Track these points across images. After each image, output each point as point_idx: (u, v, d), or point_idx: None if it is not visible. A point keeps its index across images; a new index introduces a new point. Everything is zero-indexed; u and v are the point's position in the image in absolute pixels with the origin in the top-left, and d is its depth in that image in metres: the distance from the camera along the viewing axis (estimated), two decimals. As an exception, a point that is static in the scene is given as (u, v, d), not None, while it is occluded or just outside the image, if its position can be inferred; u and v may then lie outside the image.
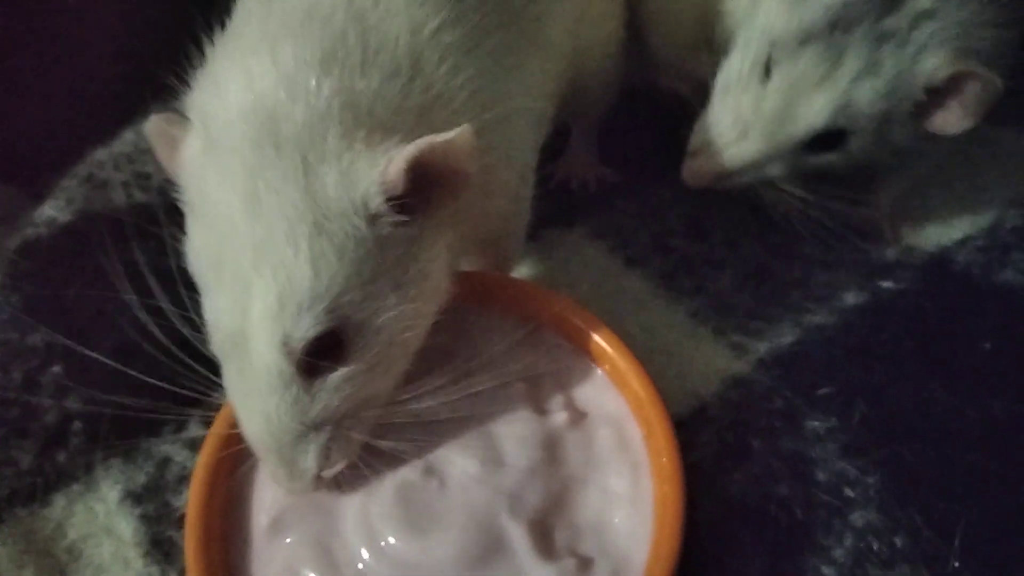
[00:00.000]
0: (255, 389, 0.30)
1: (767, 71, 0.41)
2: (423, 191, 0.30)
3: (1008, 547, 0.34)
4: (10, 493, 0.39)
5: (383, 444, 0.32)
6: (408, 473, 0.32)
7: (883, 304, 0.42)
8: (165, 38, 0.61)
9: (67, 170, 0.51)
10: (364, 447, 0.32)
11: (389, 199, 0.29)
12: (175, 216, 0.43)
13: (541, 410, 0.34)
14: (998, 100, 0.41)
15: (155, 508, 0.38)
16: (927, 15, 0.40)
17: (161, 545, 0.37)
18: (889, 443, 0.36)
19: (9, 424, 0.40)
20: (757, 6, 0.43)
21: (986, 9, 0.41)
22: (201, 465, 0.34)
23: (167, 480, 0.39)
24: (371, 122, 0.30)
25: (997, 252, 0.45)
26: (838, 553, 0.34)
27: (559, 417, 0.34)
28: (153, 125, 0.32)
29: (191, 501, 0.34)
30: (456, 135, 0.29)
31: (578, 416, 0.34)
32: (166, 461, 0.40)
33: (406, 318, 0.31)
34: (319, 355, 0.30)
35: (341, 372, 0.30)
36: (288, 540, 0.32)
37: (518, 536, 0.31)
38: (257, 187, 0.29)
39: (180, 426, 0.41)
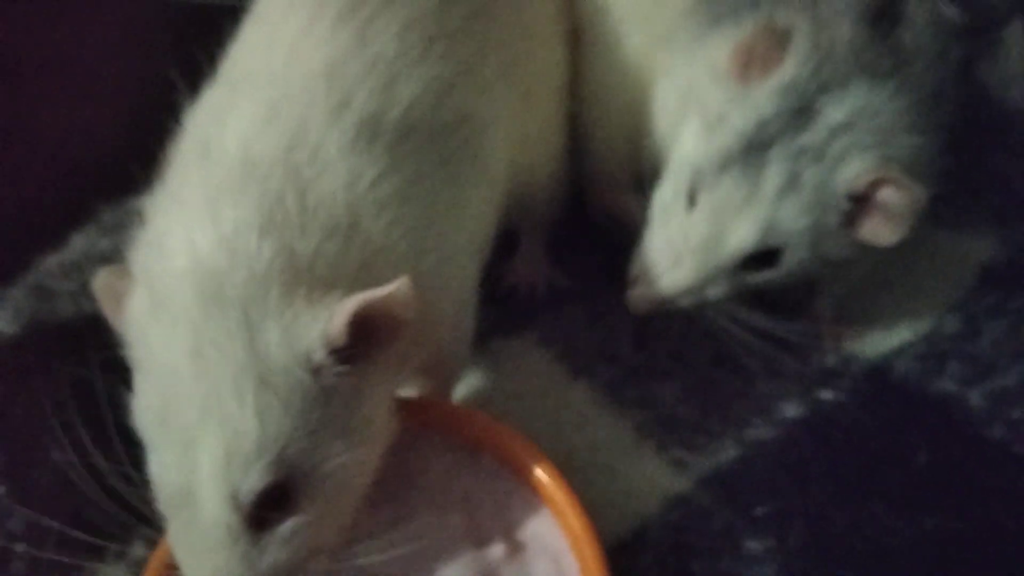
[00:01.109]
0: (203, 546, 0.30)
1: (692, 199, 0.42)
2: (365, 339, 0.30)
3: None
4: None
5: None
6: None
7: (822, 417, 0.43)
8: (117, 140, 0.63)
9: (13, 279, 0.51)
10: None
11: (331, 351, 0.30)
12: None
13: (480, 541, 0.34)
14: (929, 205, 0.43)
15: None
16: (843, 128, 0.41)
17: None
18: (826, 563, 0.37)
19: None
20: (678, 137, 0.44)
21: (905, 116, 0.41)
22: None
23: (111, 606, 0.39)
24: (312, 279, 0.31)
25: (934, 361, 0.46)
26: None
27: (497, 550, 0.34)
28: (100, 280, 0.33)
29: None
30: (395, 288, 0.30)
31: (516, 548, 0.34)
32: (110, 587, 0.39)
33: (354, 463, 0.31)
34: (267, 507, 0.30)
35: (290, 523, 0.30)
36: None
37: None
38: (202, 344, 0.30)
39: (122, 549, 0.40)
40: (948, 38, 0.46)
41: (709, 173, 0.41)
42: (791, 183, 0.40)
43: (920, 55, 0.43)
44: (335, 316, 0.30)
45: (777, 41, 0.41)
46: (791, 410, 0.44)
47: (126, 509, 0.39)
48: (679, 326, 0.48)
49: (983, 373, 0.45)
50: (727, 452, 0.42)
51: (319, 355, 0.30)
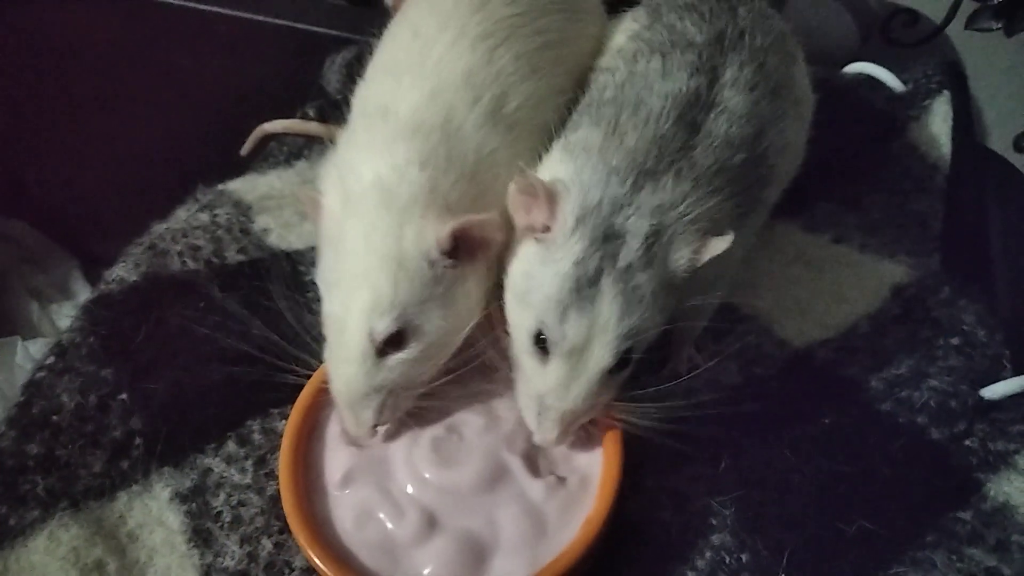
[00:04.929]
0: (345, 359, 0.45)
1: (545, 349, 0.44)
2: (468, 248, 0.46)
3: (820, 566, 0.46)
4: (85, 489, 0.50)
5: (422, 404, 0.47)
6: (436, 430, 0.47)
7: (754, 386, 0.55)
8: (210, 137, 0.76)
9: (128, 239, 0.64)
10: (408, 413, 0.47)
11: (442, 251, 0.45)
12: (218, 280, 0.57)
13: None
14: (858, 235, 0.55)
15: (197, 506, 0.50)
16: (655, 233, 0.43)
17: (200, 534, 0.49)
18: (743, 487, 0.49)
19: (86, 437, 0.51)
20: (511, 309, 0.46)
21: (693, 193, 0.45)
22: (286, 443, 0.47)
23: (207, 485, 0.50)
24: (443, 204, 0.46)
25: (846, 352, 0.58)
26: (700, 563, 0.47)
27: None
28: (302, 192, 0.49)
29: (282, 468, 0.46)
30: (487, 218, 0.45)
31: None
32: (207, 471, 0.51)
33: (447, 327, 0.46)
34: (388, 343, 0.45)
35: (400, 356, 0.45)
36: (356, 487, 0.45)
37: (515, 464, 0.45)
38: (371, 232, 0.45)
39: (220, 445, 0.52)
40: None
41: (551, 324, 0.43)
42: (630, 299, 0.43)
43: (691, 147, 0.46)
44: (446, 228, 0.45)
45: (539, 194, 0.43)
46: (729, 379, 0.56)
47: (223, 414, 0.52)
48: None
49: (882, 364, 0.57)
50: (676, 408, 0.54)
51: (434, 253, 0.45)
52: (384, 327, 0.44)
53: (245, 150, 0.77)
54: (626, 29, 0.59)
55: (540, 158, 0.51)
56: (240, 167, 0.72)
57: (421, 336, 0.46)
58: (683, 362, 0.56)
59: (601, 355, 0.43)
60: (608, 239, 0.43)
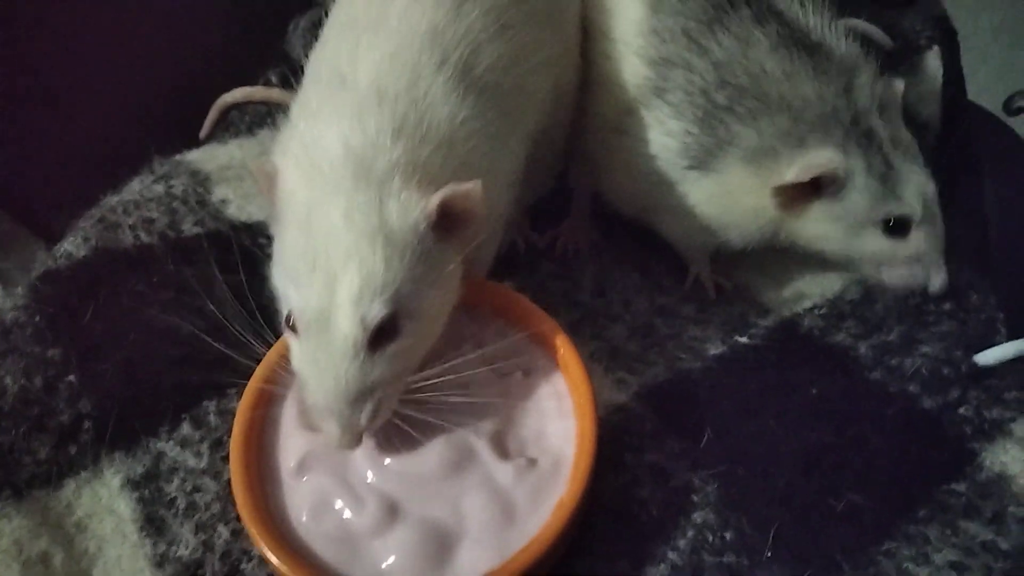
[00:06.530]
0: (333, 356, 0.40)
1: None
2: (451, 221, 0.42)
3: (808, 543, 0.44)
4: (30, 477, 0.47)
5: (416, 405, 0.42)
6: (409, 412, 0.42)
7: (738, 355, 0.53)
8: (167, 105, 0.72)
9: (81, 213, 0.61)
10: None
11: (429, 224, 0.41)
12: (172, 255, 0.54)
13: (501, 372, 0.46)
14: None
15: (149, 492, 0.47)
16: None
17: (153, 522, 0.46)
18: (727, 461, 0.46)
19: (31, 421, 0.48)
20: None
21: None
22: (237, 428, 0.44)
23: (161, 470, 0.48)
24: (423, 175, 0.42)
25: (834, 319, 0.56)
26: (681, 543, 0.44)
27: (516, 376, 0.46)
28: (255, 165, 0.45)
29: (233, 455, 0.43)
30: (472, 186, 0.41)
31: (527, 374, 0.46)
32: (161, 455, 0.48)
33: (438, 306, 0.43)
34: (381, 332, 0.40)
35: (394, 346, 0.41)
36: (313, 475, 0.42)
37: (482, 447, 0.42)
38: (352, 209, 0.41)
39: (174, 427, 0.49)
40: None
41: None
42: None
43: None
44: (432, 200, 0.41)
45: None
46: (713, 349, 0.53)
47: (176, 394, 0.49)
48: (631, 280, 0.58)
49: (872, 331, 0.54)
50: (659, 376, 0.52)
51: (422, 225, 0.41)
52: (377, 312, 0.40)
53: (205, 130, 0.73)
54: None
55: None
56: (199, 137, 0.69)
57: (414, 320, 0.41)
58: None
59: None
60: None
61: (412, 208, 0.41)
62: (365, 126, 0.42)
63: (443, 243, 0.42)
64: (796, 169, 0.50)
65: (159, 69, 0.76)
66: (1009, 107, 0.86)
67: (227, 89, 0.74)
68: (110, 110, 0.74)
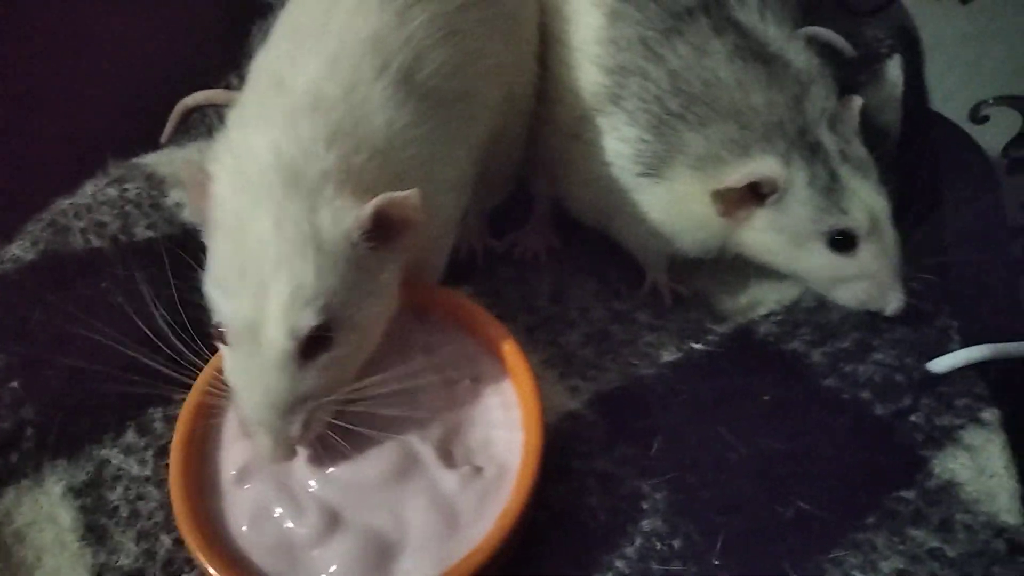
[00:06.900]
0: (263, 367, 0.39)
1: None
2: (387, 229, 0.41)
3: (756, 551, 0.44)
4: None
5: (359, 415, 0.41)
6: (348, 423, 0.41)
7: (692, 362, 0.53)
8: (125, 107, 0.71)
9: (31, 216, 0.60)
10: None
11: (362, 233, 0.40)
12: (123, 260, 0.53)
13: (448, 381, 0.45)
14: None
15: (92, 501, 0.46)
16: None
17: (94, 531, 0.45)
18: (677, 468, 0.46)
19: None
20: None
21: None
22: (178, 438, 0.43)
23: (104, 478, 0.47)
24: (357, 183, 0.42)
25: (790, 326, 0.55)
26: (629, 550, 0.44)
27: (464, 385, 0.45)
28: (185, 171, 0.44)
29: (172, 465, 0.42)
30: (408, 194, 0.41)
31: (476, 381, 0.45)
32: (104, 463, 0.47)
33: (374, 316, 0.42)
34: (312, 343, 0.40)
35: (326, 356, 0.40)
36: (254, 484, 0.42)
37: (428, 455, 0.42)
38: (282, 218, 0.40)
39: (118, 434, 0.49)
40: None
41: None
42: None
43: None
44: (367, 207, 0.40)
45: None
46: (667, 356, 0.53)
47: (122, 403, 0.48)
48: (588, 287, 0.58)
49: (827, 338, 0.54)
50: (612, 383, 0.51)
51: (355, 234, 0.40)
52: (308, 321, 0.39)
53: (166, 136, 0.72)
54: None
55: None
56: (158, 140, 0.69)
57: (347, 329, 0.41)
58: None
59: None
60: None
61: (345, 216, 0.40)
62: (298, 133, 0.42)
63: (379, 251, 0.41)
64: (734, 176, 0.50)
65: (119, 72, 0.75)
66: (975, 115, 0.86)
67: (189, 92, 0.74)
68: (68, 113, 0.73)
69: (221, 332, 0.41)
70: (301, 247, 0.39)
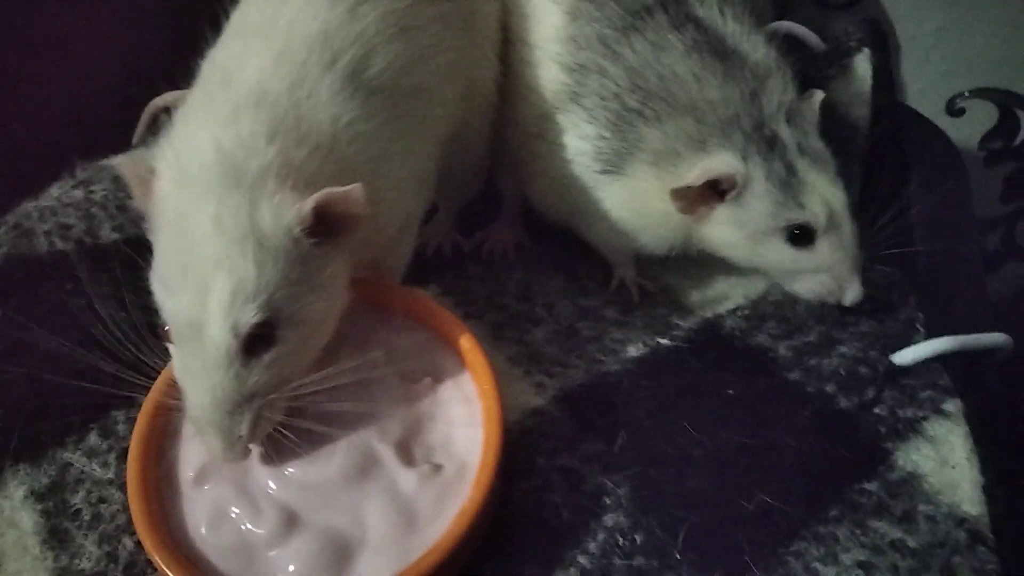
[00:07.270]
0: (206, 365, 0.39)
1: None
2: (330, 224, 0.41)
3: (718, 544, 0.44)
4: None
5: (315, 413, 0.41)
6: (303, 422, 0.42)
7: (658, 357, 0.53)
8: (93, 109, 0.71)
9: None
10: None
11: (304, 228, 0.40)
12: (88, 262, 0.53)
13: (407, 376, 0.45)
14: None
15: (54, 504, 0.46)
16: None
17: (56, 534, 0.45)
18: (640, 463, 0.46)
19: None
20: None
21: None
22: (136, 438, 0.43)
23: (66, 481, 0.47)
24: (299, 178, 0.41)
25: (756, 320, 0.56)
26: (592, 546, 0.44)
27: (424, 383, 0.45)
28: (126, 166, 0.43)
29: (130, 466, 0.42)
30: (350, 189, 0.40)
31: (436, 379, 0.46)
32: (67, 466, 0.47)
33: (320, 312, 0.42)
34: (255, 340, 0.40)
35: (271, 353, 0.40)
36: (213, 485, 0.42)
37: (387, 454, 0.42)
38: (221, 214, 0.39)
39: (81, 437, 0.48)
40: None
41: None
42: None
43: None
44: (307, 202, 0.40)
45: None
46: (633, 351, 0.53)
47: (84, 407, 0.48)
48: (556, 284, 0.58)
49: (792, 331, 0.55)
50: (577, 379, 0.51)
51: (296, 230, 0.40)
52: (249, 318, 0.39)
53: (138, 137, 0.72)
54: None
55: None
56: (129, 142, 0.68)
57: (291, 326, 0.40)
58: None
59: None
60: None
61: (285, 211, 0.40)
62: (239, 128, 0.41)
63: (324, 247, 0.41)
64: (692, 172, 0.50)
65: (88, 74, 0.75)
66: (952, 108, 0.87)
67: (159, 94, 0.73)
68: (34, 116, 0.72)
69: (167, 331, 0.41)
70: (241, 243, 0.39)
